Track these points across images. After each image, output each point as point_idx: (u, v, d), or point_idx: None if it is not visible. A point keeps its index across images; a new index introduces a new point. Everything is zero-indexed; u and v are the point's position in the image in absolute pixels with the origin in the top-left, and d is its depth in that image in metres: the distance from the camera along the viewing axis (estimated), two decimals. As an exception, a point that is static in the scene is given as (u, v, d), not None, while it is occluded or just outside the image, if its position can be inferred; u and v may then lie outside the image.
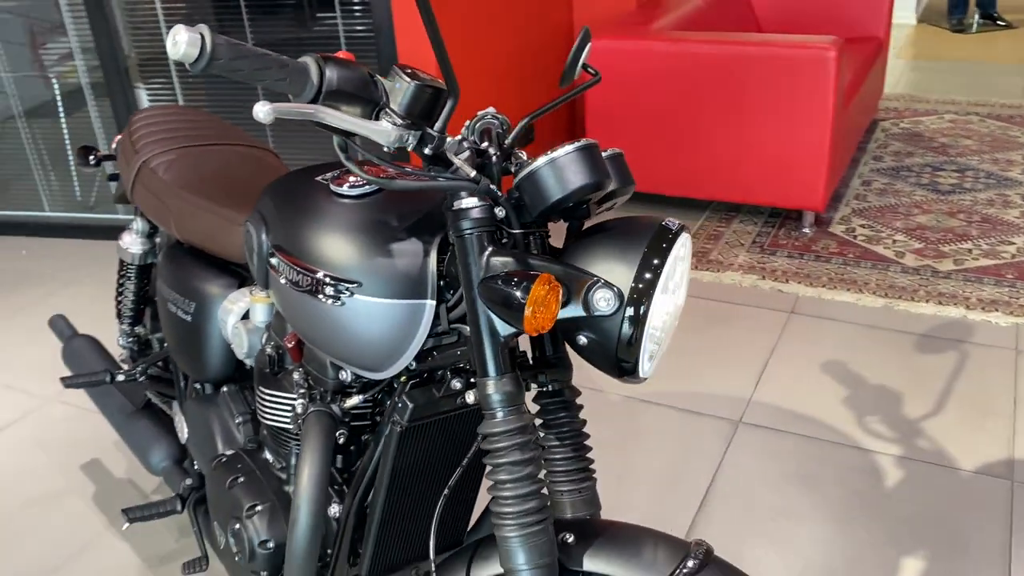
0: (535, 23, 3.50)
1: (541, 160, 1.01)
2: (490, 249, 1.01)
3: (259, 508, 1.35)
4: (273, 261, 1.20)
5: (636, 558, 1.03)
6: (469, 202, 1.01)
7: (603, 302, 0.97)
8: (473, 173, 1.00)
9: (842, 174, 3.42)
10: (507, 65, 3.35)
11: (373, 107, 0.95)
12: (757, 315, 2.73)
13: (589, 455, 1.20)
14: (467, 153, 1.06)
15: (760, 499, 2.00)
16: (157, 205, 1.66)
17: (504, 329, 1.00)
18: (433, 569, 1.11)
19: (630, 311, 0.98)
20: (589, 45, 1.30)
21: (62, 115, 3.55)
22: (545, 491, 1.05)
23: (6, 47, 3.44)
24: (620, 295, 0.97)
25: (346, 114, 0.91)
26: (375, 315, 1.11)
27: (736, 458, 2.13)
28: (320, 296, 1.13)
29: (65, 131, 3.55)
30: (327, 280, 1.12)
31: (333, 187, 1.18)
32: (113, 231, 3.60)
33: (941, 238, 3.12)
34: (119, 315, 1.95)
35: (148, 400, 1.87)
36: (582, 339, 1.02)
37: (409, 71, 0.95)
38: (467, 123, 1.12)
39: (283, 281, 1.19)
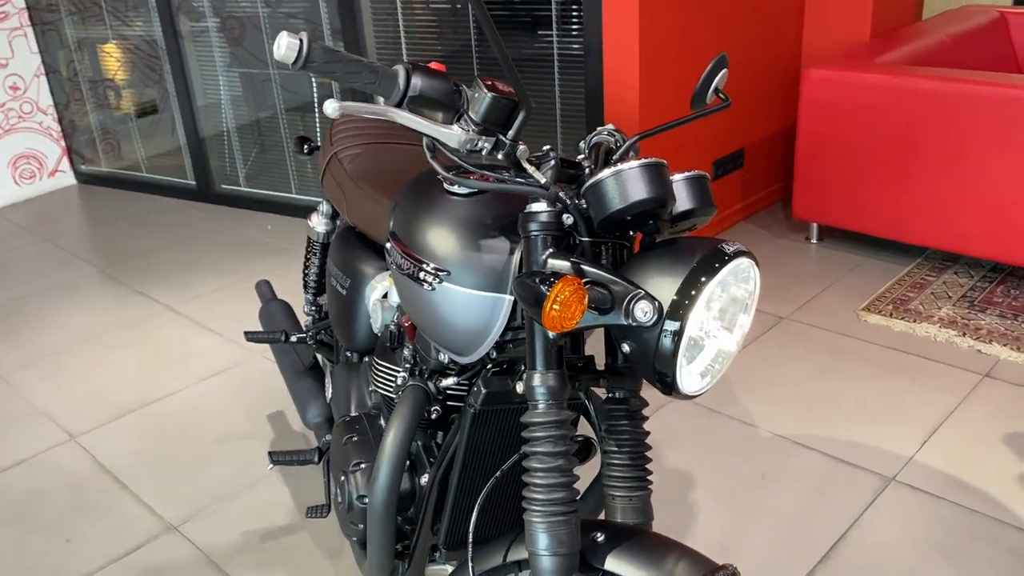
0: (759, 51, 3.45)
1: (607, 171, 1.06)
2: (550, 251, 1.08)
3: (363, 466, 1.50)
4: (388, 246, 1.35)
5: (656, 567, 1.06)
6: (539, 206, 1.09)
7: (641, 313, 1.01)
8: (544, 180, 1.08)
9: (1086, 234, 3.07)
10: (731, 88, 3.33)
11: (455, 113, 1.06)
12: (944, 373, 2.54)
13: (648, 466, 1.23)
14: (552, 162, 1.13)
15: (893, 563, 1.88)
16: (337, 192, 1.88)
17: None
18: (470, 547, 1.19)
19: (669, 325, 1.01)
20: (725, 71, 1.33)
21: (316, 111, 4.00)
22: (576, 486, 1.10)
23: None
24: (660, 308, 1.01)
25: (426, 118, 1.03)
26: (459, 303, 1.21)
27: (878, 516, 2.01)
28: (415, 280, 1.25)
29: (317, 125, 4.00)
30: (423, 266, 1.24)
31: (445, 185, 1.30)
32: (343, 217, 4.00)
33: None
34: (305, 286, 2.21)
35: (315, 362, 2.11)
36: (625, 347, 1.06)
37: (489, 83, 1.05)
38: (585, 137, 1.21)
39: (393, 265, 1.33)
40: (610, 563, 1.08)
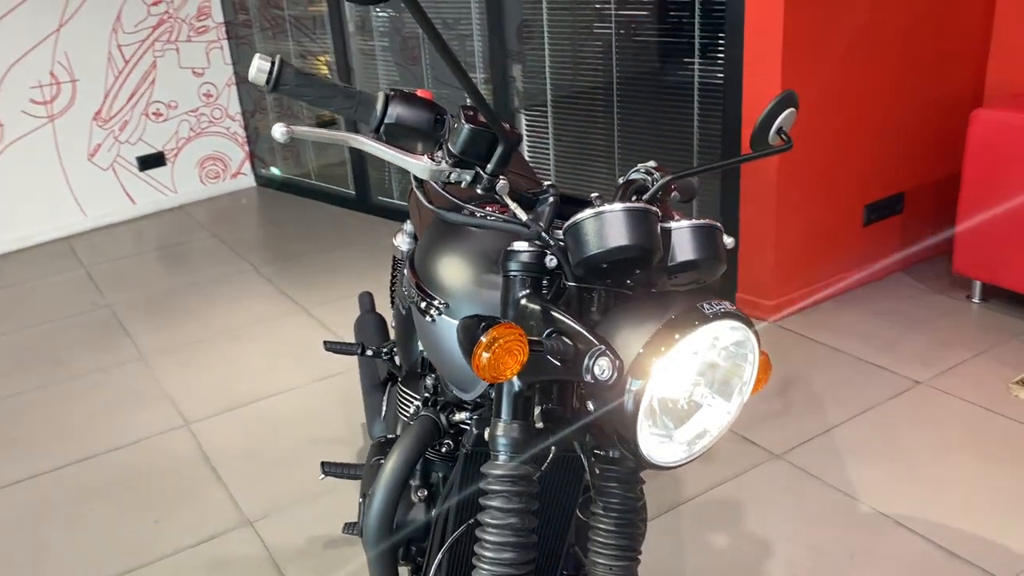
0: (928, 87, 3.15)
1: (588, 212, 0.99)
2: (525, 292, 1.01)
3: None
4: (405, 272, 1.33)
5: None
6: (520, 245, 1.03)
7: (599, 370, 0.92)
8: (525, 217, 1.02)
9: None
10: (881, 133, 3.08)
11: (436, 143, 1.02)
12: (1103, 468, 2.19)
13: (639, 535, 1.13)
14: (550, 199, 1.07)
15: None
16: (416, 213, 1.88)
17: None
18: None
19: (633, 384, 0.92)
20: (792, 110, 1.23)
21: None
22: (531, 547, 1.02)
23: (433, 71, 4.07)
24: (620, 367, 0.92)
25: (398, 147, 1.00)
26: (454, 336, 1.17)
27: (979, 623, 1.76)
28: (417, 309, 1.23)
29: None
30: (426, 297, 1.21)
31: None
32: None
33: None
34: (392, 303, 2.23)
35: (388, 378, 2.12)
36: (590, 405, 0.98)
37: (470, 115, 1.00)
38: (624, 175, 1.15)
39: (406, 293, 1.30)
40: (558, 636, 1.00)
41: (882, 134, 3.10)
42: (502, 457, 1.01)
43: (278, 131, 0.94)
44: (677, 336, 0.91)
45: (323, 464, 1.88)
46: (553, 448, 1.12)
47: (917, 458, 2.28)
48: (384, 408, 1.86)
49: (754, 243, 3.00)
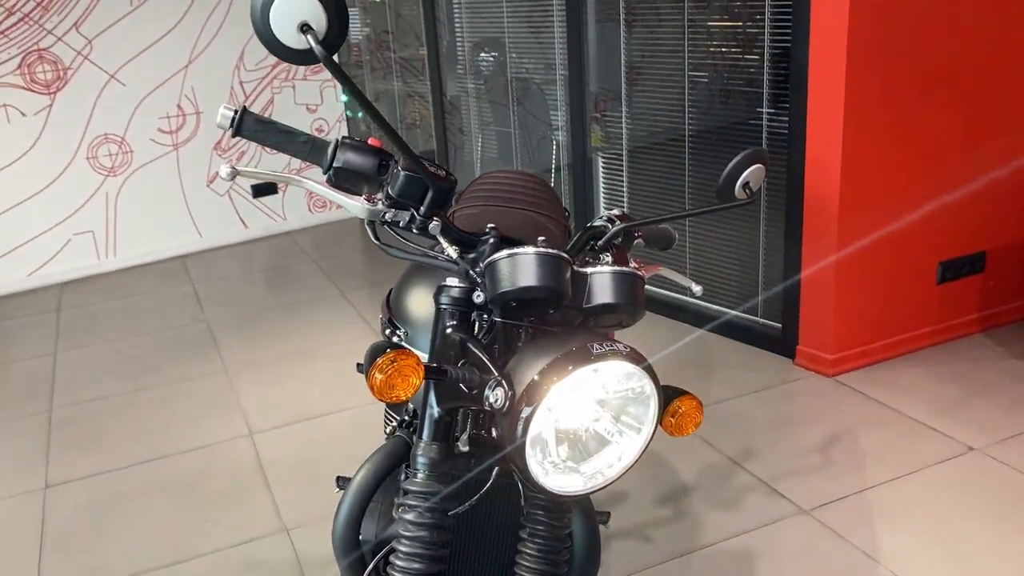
0: (1013, 137, 3.04)
1: (504, 253, 1.07)
2: (452, 324, 1.11)
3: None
4: (381, 303, 1.44)
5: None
6: (451, 280, 1.12)
7: (494, 398, 1.00)
8: (454, 255, 1.11)
9: None
10: (959, 188, 2.99)
11: (379, 186, 1.13)
12: None
13: (563, 562, 1.19)
14: (491, 240, 1.16)
15: None
16: (443, 246, 2.00)
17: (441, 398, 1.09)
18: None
19: (522, 411, 0.99)
20: (759, 166, 1.29)
21: (553, 172, 4.19)
22: (440, 560, 1.10)
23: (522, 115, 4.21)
24: (511, 396, 0.99)
25: (343, 190, 1.12)
26: (413, 363, 1.27)
27: None
28: (383, 334, 1.33)
29: (562, 184, 4.19)
30: (390, 324, 1.32)
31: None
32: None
33: None
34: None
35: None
36: (494, 431, 1.05)
37: (407, 163, 1.10)
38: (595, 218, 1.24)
39: (380, 322, 1.42)
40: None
41: (960, 190, 3.00)
42: (420, 475, 1.10)
43: (224, 170, 1.07)
44: (569, 367, 0.98)
45: (338, 479, 2.00)
46: (495, 473, 1.20)
47: (952, 526, 2.19)
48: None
49: (815, 296, 2.96)
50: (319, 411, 3.01)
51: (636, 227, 1.28)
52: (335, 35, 1.00)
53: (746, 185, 1.29)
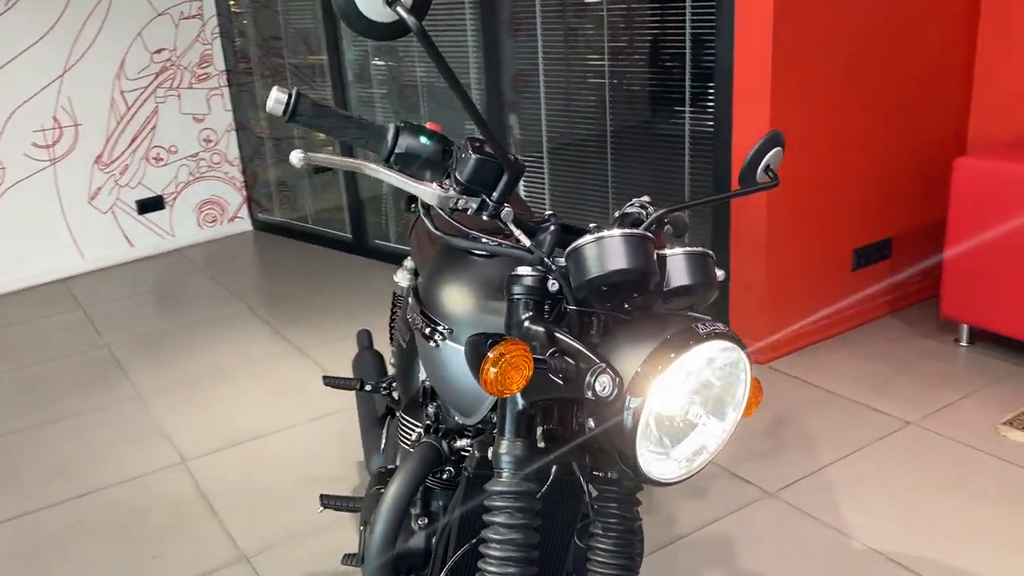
0: (913, 136, 3.25)
1: (588, 238, 1.03)
2: (529, 315, 1.06)
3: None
4: (410, 301, 1.37)
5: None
6: (524, 270, 1.07)
7: (600, 386, 0.96)
8: (528, 244, 1.07)
9: None
10: (868, 179, 3.16)
11: (444, 172, 1.07)
12: (1090, 506, 2.22)
13: (637, 555, 1.16)
14: (551, 227, 1.12)
15: None
16: (417, 248, 1.93)
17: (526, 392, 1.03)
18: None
19: (632, 401, 0.96)
20: (779, 149, 1.29)
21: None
22: (532, 562, 1.05)
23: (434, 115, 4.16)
24: (620, 383, 0.96)
25: (409, 175, 1.05)
26: (459, 362, 1.21)
27: (972, 657, 1.77)
28: (422, 335, 1.27)
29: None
30: (430, 323, 1.25)
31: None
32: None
33: None
34: (391, 339, 2.27)
35: (387, 412, 2.15)
36: (590, 423, 1.01)
37: (477, 145, 1.06)
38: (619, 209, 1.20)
39: (410, 320, 1.34)
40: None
41: (868, 180, 3.18)
42: (505, 474, 1.05)
43: (295, 157, 0.99)
44: (673, 355, 0.96)
45: (322, 497, 1.90)
46: (553, 471, 1.16)
47: (908, 496, 2.30)
48: (383, 441, 1.89)
49: (744, 284, 3.06)
50: (254, 432, 2.85)
51: (673, 211, 1.26)
52: (423, 2, 0.94)
53: (767, 168, 1.30)
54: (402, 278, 2.16)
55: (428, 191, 1.05)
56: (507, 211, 1.08)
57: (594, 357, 0.98)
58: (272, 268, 4.62)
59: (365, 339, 2.55)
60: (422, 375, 1.67)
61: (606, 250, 1.02)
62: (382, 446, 1.91)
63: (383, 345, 2.54)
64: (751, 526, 2.23)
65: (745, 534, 2.19)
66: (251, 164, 5.16)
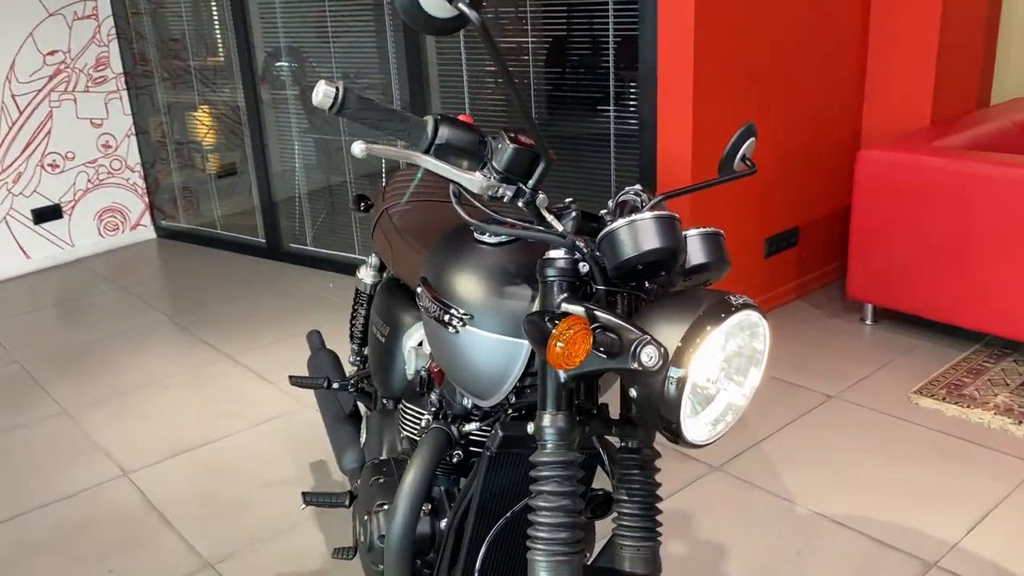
0: (817, 130, 3.49)
1: (622, 221, 1.11)
2: (564, 295, 1.12)
3: (385, 506, 1.54)
4: (419, 290, 1.41)
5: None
6: (556, 253, 1.14)
7: (647, 357, 1.04)
8: (561, 229, 1.14)
9: None
10: (777, 173, 3.37)
11: (480, 162, 1.13)
12: (996, 460, 2.46)
13: (659, 518, 1.25)
14: (573, 213, 1.19)
15: (927, 648, 1.81)
16: (385, 245, 1.96)
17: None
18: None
19: (674, 371, 1.04)
20: (753, 139, 1.38)
21: (383, 178, 4.16)
22: (580, 527, 1.12)
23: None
24: (665, 354, 1.04)
25: (452, 165, 1.10)
26: (481, 346, 1.26)
27: (916, 601, 1.95)
28: (440, 322, 1.31)
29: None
30: (449, 310, 1.30)
31: (476, 235, 1.37)
32: (402, 279, 4.12)
33: None
34: (351, 337, 2.29)
35: (355, 410, 2.17)
36: (633, 392, 1.09)
37: (512, 136, 1.12)
38: (613, 196, 1.27)
39: (422, 307, 1.39)
40: (609, 607, 1.09)
41: (778, 173, 3.40)
42: (551, 445, 1.11)
43: (357, 148, 1.02)
44: (709, 327, 1.05)
45: (304, 494, 1.91)
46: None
47: (839, 463, 2.49)
48: (364, 435, 1.91)
49: (672, 275, 3.21)
50: (198, 440, 2.80)
51: (670, 196, 1.36)
52: None
53: (744, 157, 1.41)
54: (366, 275, 2.19)
55: (472, 179, 1.11)
56: (542, 198, 1.14)
57: (637, 331, 1.06)
58: (184, 276, 4.49)
59: (317, 340, 2.55)
60: (408, 365, 1.70)
61: (640, 231, 1.10)
62: (362, 441, 1.93)
63: (334, 344, 2.55)
64: (703, 499, 2.36)
65: (698, 507, 2.32)
66: (153, 170, 5.00)
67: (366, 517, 1.57)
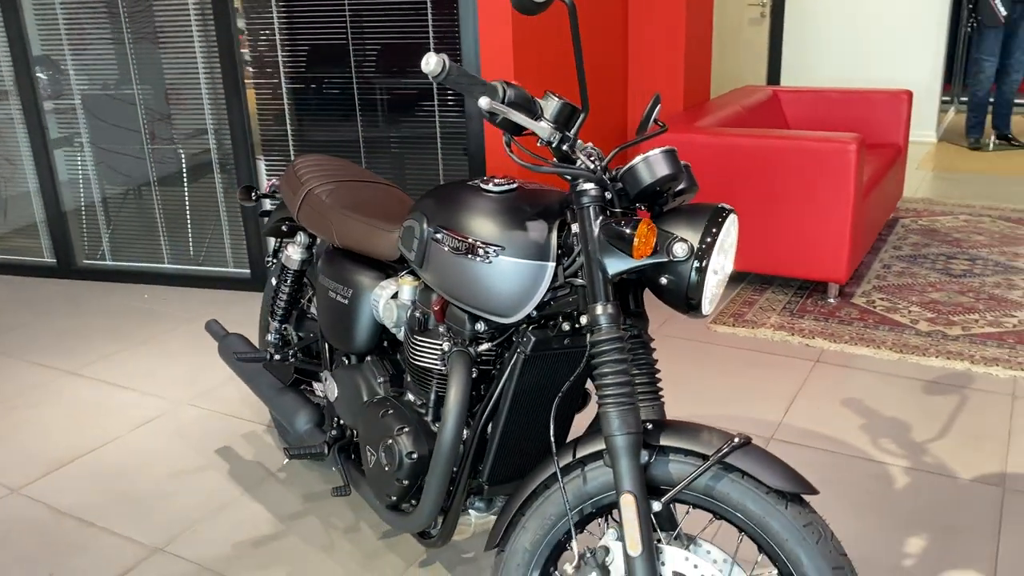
0: (600, 118, 4.08)
1: (639, 158, 1.50)
2: (602, 217, 1.49)
3: (407, 429, 1.79)
4: (438, 236, 1.69)
5: (696, 439, 1.47)
6: (588, 186, 1.50)
7: (680, 250, 1.43)
8: (592, 167, 1.50)
9: (864, 253, 3.90)
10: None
11: (534, 115, 1.46)
12: (787, 363, 3.16)
13: (660, 385, 1.65)
14: (593, 155, 1.56)
15: (788, 491, 2.38)
16: (320, 221, 2.17)
17: (611, 267, 1.46)
18: (555, 456, 1.53)
19: (696, 262, 1.44)
20: (659, 107, 1.81)
21: (185, 182, 4.16)
22: (634, 383, 1.49)
23: (150, 122, 4.10)
24: (691, 247, 1.44)
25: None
26: (512, 271, 1.58)
27: (768, 463, 2.53)
28: (473, 256, 1.61)
29: (186, 196, 4.15)
30: (480, 245, 1.60)
31: (483, 186, 1.68)
32: (218, 281, 4.15)
33: (952, 310, 3.55)
34: (272, 314, 2.44)
35: (295, 379, 2.34)
36: (663, 280, 1.48)
37: (558, 95, 1.46)
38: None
39: (446, 249, 1.67)
40: (664, 440, 1.47)
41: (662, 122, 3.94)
42: (605, 327, 1.47)
43: (484, 103, 1.31)
44: (715, 230, 1.46)
45: (286, 449, 2.07)
46: (565, 343, 1.61)
47: (673, 381, 3.06)
48: (335, 390, 2.10)
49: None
50: (79, 450, 2.74)
51: (623, 148, 1.76)
52: None
53: (655, 119, 1.86)
54: (294, 252, 2.37)
55: (542, 126, 1.43)
56: (580, 142, 1.49)
57: (668, 231, 1.45)
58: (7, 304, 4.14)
59: (218, 328, 2.65)
60: (388, 315, 1.95)
61: (652, 163, 1.49)
62: (332, 396, 2.12)
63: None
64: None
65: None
66: None
67: (389, 441, 1.81)
